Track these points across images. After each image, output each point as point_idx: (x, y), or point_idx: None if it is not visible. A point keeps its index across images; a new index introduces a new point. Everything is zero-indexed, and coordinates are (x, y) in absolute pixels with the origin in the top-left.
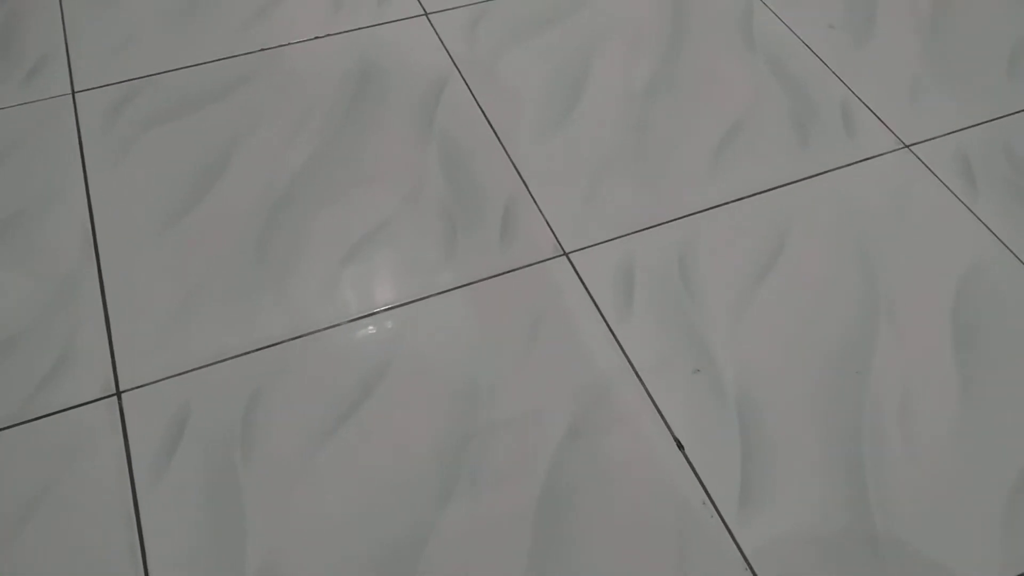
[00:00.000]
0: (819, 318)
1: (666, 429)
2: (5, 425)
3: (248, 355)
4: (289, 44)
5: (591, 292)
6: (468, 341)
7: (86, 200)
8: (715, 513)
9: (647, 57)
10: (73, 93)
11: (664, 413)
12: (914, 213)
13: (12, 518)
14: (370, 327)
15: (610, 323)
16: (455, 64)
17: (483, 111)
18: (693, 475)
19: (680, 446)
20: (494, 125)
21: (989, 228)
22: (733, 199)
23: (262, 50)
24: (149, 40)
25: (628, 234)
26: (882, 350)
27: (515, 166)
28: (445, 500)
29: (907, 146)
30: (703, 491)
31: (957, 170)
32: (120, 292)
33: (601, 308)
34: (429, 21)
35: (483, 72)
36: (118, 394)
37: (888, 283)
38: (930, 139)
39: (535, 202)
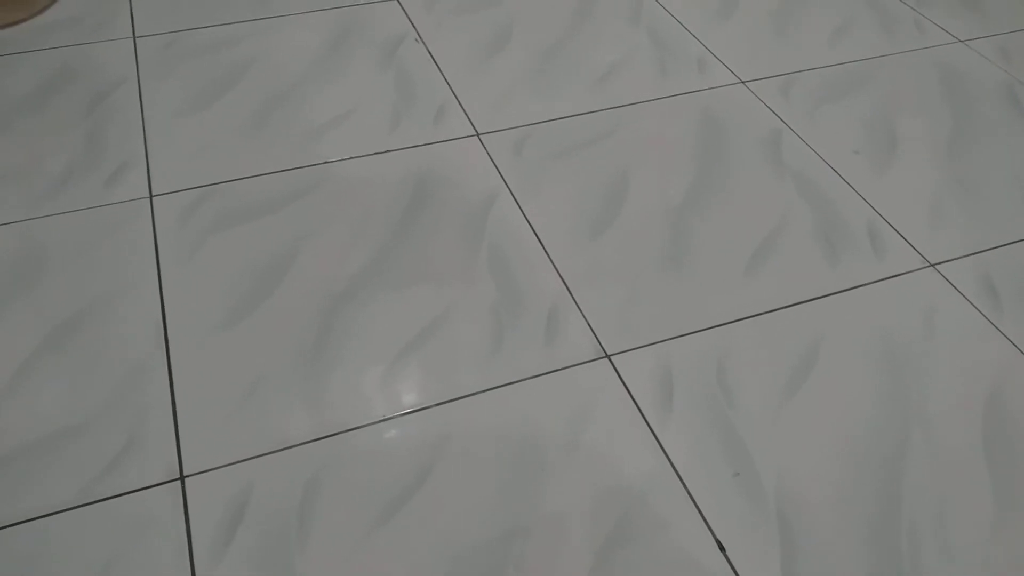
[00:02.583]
0: (854, 426)
1: (707, 530)
2: (72, 505)
3: (305, 445)
4: (350, 158)
5: (632, 394)
6: (513, 438)
7: (159, 294)
8: None
9: (681, 175)
10: (151, 196)
11: (705, 514)
12: (942, 328)
13: None
14: (420, 421)
15: (651, 424)
16: (503, 179)
17: (529, 222)
18: None
19: (721, 547)
20: (539, 235)
21: (1015, 344)
22: (767, 310)
23: (325, 163)
24: (223, 150)
25: (667, 339)
26: (916, 459)
27: (559, 273)
28: None
29: (932, 265)
30: None
31: (981, 289)
32: (187, 381)
33: (642, 409)
34: (480, 140)
35: (529, 186)
36: (182, 479)
37: (920, 395)
38: (954, 259)
39: (578, 307)
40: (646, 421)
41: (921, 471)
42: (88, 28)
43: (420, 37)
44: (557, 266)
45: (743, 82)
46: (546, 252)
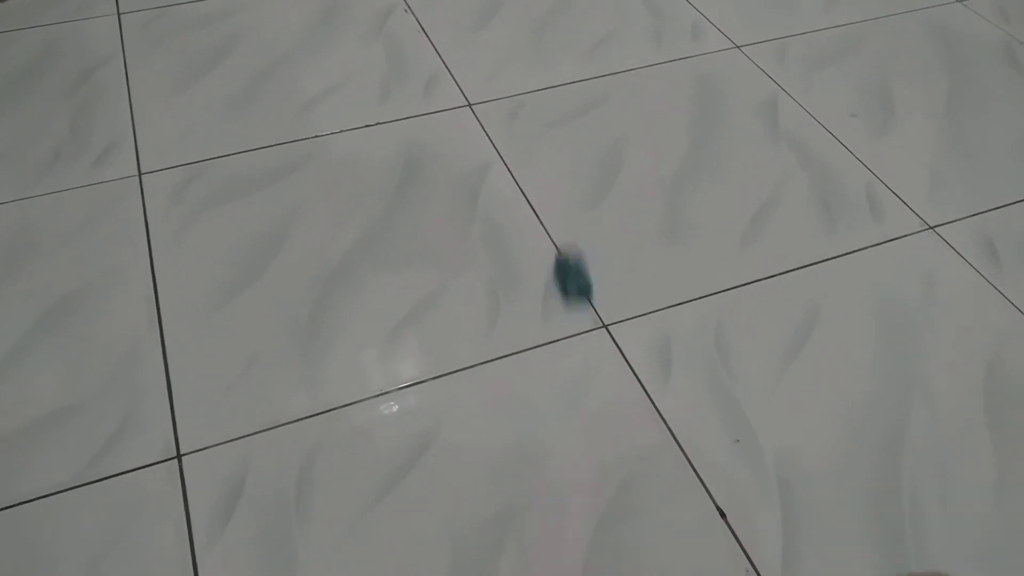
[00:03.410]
0: (854, 391)
1: (708, 498)
2: (70, 486)
3: (302, 421)
4: (341, 132)
5: (631, 363)
6: (512, 410)
7: (151, 274)
8: None
9: (677, 142)
10: (140, 175)
11: (706, 482)
12: (942, 291)
13: None
14: (417, 395)
15: (650, 393)
16: (496, 149)
17: (523, 192)
18: (736, 543)
19: (723, 514)
20: (534, 205)
21: (1015, 305)
22: (765, 276)
23: (316, 136)
24: (211, 126)
25: (665, 308)
26: (916, 423)
27: (554, 244)
28: (494, 569)
29: (932, 227)
30: (746, 559)
31: (981, 250)
32: (182, 360)
33: (641, 379)
34: (472, 111)
35: (523, 156)
36: (179, 457)
37: (920, 358)
38: (953, 221)
39: None
40: (645, 390)
41: (922, 435)
42: (72, 6)
43: (409, 7)
44: (552, 237)
45: (738, 47)
46: (541, 223)
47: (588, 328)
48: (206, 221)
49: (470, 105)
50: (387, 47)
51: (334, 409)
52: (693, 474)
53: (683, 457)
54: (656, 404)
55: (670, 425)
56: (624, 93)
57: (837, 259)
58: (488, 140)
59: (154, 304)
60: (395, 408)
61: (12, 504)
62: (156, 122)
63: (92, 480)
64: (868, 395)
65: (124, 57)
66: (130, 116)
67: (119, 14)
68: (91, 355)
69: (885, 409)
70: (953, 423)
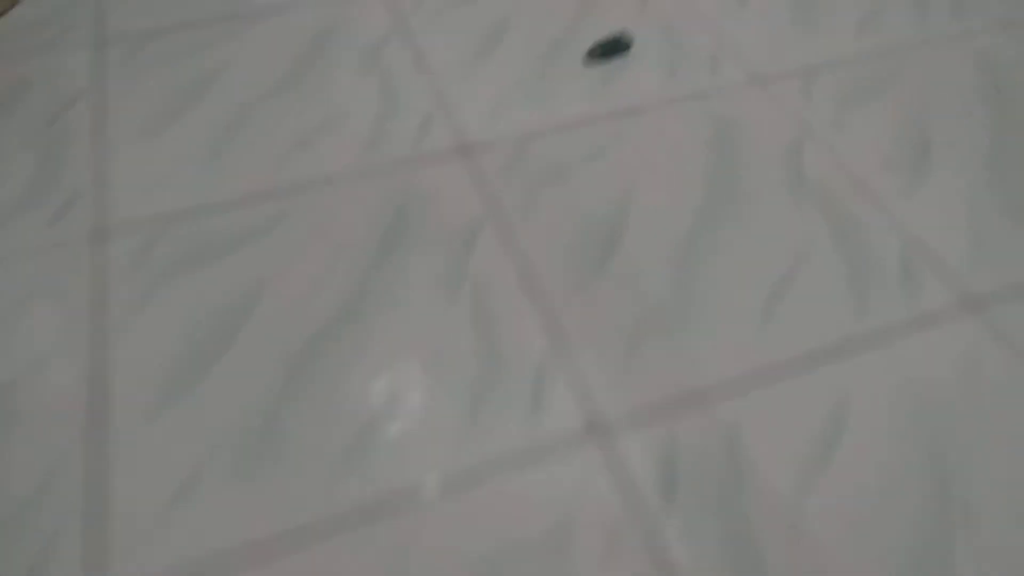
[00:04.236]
0: (888, 516)
1: None
2: None
3: (257, 544)
4: (322, 181)
5: (631, 479)
6: (494, 535)
7: (102, 353)
8: None
9: (689, 198)
10: (97, 233)
11: None
12: (987, 386)
13: None
14: (393, 510)
15: (652, 515)
16: (489, 203)
17: (517, 256)
18: None
19: None
20: (526, 273)
21: None
22: (785, 368)
23: (295, 187)
24: (182, 178)
25: (670, 407)
26: (964, 551)
27: (548, 324)
28: None
29: (974, 303)
30: None
31: None
32: (124, 466)
33: (642, 497)
34: (465, 159)
35: (518, 213)
36: None
37: (962, 471)
38: (999, 290)
39: (569, 368)
40: (646, 510)
41: (971, 566)
42: (48, 37)
43: (405, 42)
44: (546, 315)
45: (760, 82)
46: (532, 297)
47: (582, 434)
48: (168, 289)
49: (462, 152)
50: (380, 83)
51: (293, 528)
52: None
53: None
54: (659, 526)
55: (672, 553)
56: (633, 137)
57: (867, 345)
58: (480, 191)
59: (101, 392)
60: (368, 523)
61: None
62: (124, 172)
63: None
64: (905, 519)
65: (98, 96)
66: (98, 166)
67: (97, 47)
68: (9, 468)
69: (925, 534)
70: (1007, 554)
